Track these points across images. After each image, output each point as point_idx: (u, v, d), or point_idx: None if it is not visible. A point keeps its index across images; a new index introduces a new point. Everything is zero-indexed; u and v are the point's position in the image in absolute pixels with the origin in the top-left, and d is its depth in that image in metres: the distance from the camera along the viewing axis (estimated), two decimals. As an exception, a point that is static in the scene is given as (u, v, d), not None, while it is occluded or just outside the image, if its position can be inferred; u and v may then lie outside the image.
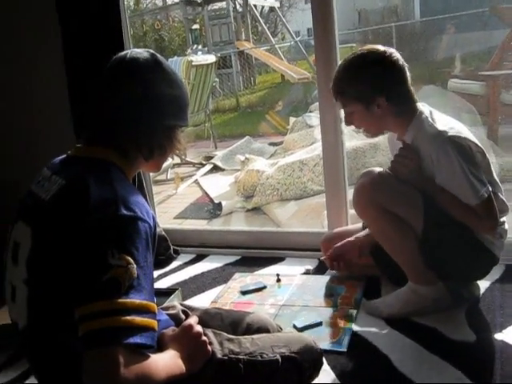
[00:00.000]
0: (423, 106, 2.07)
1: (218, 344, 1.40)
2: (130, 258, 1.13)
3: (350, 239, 2.34)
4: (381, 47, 2.03)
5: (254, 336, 1.47)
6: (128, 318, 1.08)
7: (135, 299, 1.10)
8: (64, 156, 1.39)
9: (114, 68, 1.37)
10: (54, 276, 1.17)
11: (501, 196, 2.03)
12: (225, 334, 1.46)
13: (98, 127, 1.37)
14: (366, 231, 2.30)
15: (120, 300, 1.09)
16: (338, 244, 2.36)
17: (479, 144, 1.98)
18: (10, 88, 3.11)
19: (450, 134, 1.92)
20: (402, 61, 2.01)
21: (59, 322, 1.18)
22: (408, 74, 2.02)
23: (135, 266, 1.13)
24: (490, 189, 1.92)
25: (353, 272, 2.42)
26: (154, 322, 1.13)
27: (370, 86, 1.99)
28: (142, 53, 1.38)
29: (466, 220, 1.95)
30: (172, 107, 1.38)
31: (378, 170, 2.15)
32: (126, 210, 1.17)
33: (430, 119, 2.00)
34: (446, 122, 1.99)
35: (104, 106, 1.36)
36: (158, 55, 1.40)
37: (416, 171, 2.01)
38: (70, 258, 1.14)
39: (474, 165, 1.91)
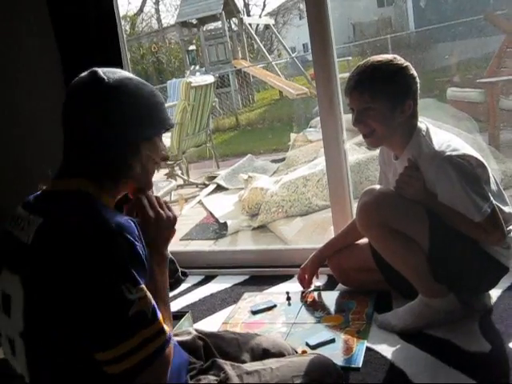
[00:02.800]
0: (420, 123, 2.07)
1: (237, 378, 1.39)
2: (143, 286, 1.15)
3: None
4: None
5: (273, 365, 1.45)
6: (165, 332, 1.17)
7: (160, 317, 1.17)
8: (38, 193, 1.32)
9: (65, 100, 1.31)
10: (57, 323, 1.13)
11: (505, 206, 2.02)
12: (243, 366, 1.45)
13: (66, 160, 1.31)
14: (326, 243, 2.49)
15: (157, 322, 1.16)
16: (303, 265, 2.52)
17: (479, 157, 1.97)
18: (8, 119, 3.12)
19: (447, 153, 1.92)
20: None
21: (63, 371, 1.17)
22: None
23: (146, 289, 1.16)
24: (494, 202, 1.92)
25: (362, 287, 2.42)
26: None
27: (404, 87, 2.00)
28: (83, 76, 1.30)
29: (473, 234, 1.95)
30: (129, 121, 1.27)
31: (379, 187, 2.15)
32: (122, 239, 1.15)
33: (427, 138, 2.00)
34: (442, 140, 1.99)
35: (66, 138, 1.30)
36: (100, 71, 1.28)
37: (421, 190, 1.99)
38: (77, 303, 1.11)
39: (475, 180, 1.91)
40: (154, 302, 1.16)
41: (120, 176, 1.31)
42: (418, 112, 2.06)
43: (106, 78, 1.26)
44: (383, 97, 1.98)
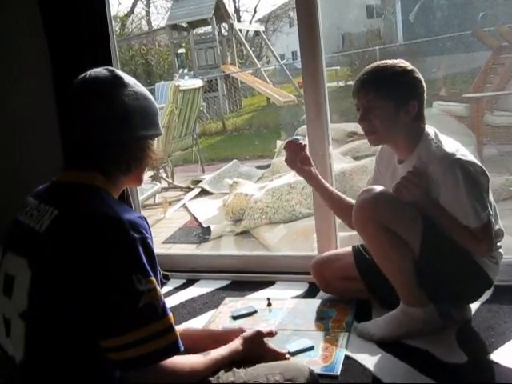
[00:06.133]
0: (428, 128, 2.10)
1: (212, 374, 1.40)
2: (154, 279, 1.19)
3: None
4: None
5: (249, 366, 1.46)
6: (174, 332, 1.22)
7: (170, 314, 1.21)
8: (48, 183, 1.37)
9: (76, 91, 1.36)
10: (62, 308, 1.16)
11: (496, 224, 2.04)
12: None
13: (74, 151, 1.37)
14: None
15: (166, 318, 1.20)
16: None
17: (483, 167, 1.99)
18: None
19: (457, 156, 1.94)
20: None
21: (61, 354, 1.18)
22: None
23: (156, 283, 1.20)
24: (491, 213, 1.95)
25: (343, 296, 2.43)
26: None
27: (409, 89, 2.03)
28: (100, 71, 1.37)
29: (463, 242, 1.97)
30: (140, 119, 1.36)
31: (378, 187, 2.17)
32: (135, 232, 1.20)
33: (436, 141, 2.03)
34: (451, 144, 2.02)
35: (75, 129, 1.35)
36: (117, 70, 1.39)
37: (418, 197, 2.00)
38: (85, 290, 1.15)
39: (478, 188, 1.94)
40: (163, 298, 1.20)
41: (128, 170, 1.38)
42: (424, 116, 2.09)
43: (123, 76, 1.36)
44: (387, 96, 2.01)
